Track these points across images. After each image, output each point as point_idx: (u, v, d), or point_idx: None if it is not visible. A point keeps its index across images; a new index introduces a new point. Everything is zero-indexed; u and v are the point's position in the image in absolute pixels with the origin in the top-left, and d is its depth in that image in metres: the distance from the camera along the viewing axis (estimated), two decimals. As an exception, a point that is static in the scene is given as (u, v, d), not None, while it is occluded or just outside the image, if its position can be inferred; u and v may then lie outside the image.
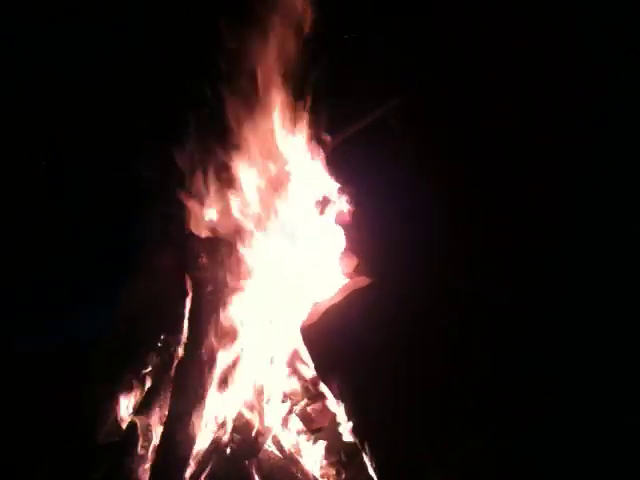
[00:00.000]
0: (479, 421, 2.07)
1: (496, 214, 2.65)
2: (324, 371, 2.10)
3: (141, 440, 2.19)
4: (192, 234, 2.31)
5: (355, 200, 2.32)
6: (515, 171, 2.74)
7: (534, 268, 2.46)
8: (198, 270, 2.24)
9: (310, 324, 2.10)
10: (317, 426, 2.15)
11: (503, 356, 2.21)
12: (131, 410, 2.31)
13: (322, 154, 2.28)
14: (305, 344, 2.12)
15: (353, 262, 2.32)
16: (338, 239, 2.34)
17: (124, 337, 2.43)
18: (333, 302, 2.14)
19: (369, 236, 2.31)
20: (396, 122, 2.49)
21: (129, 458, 2.16)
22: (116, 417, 2.29)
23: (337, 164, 2.30)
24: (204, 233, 2.34)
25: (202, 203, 2.36)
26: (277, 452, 2.18)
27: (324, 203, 2.31)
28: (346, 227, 2.32)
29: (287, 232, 2.32)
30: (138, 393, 2.33)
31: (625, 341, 2.24)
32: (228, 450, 2.13)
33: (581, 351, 2.20)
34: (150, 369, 2.33)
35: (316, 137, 2.28)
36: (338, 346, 2.08)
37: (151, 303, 2.40)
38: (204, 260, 2.24)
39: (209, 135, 2.36)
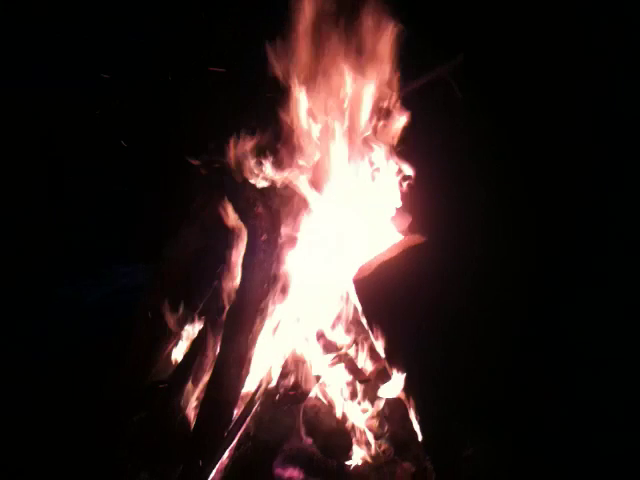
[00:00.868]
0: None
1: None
2: (374, 324, 2.13)
3: (191, 380, 2.26)
4: (248, 183, 2.32)
5: (412, 158, 2.31)
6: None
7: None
8: (253, 219, 2.26)
9: (363, 277, 2.12)
10: (364, 377, 2.19)
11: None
12: (182, 351, 2.37)
13: (386, 107, 2.27)
14: (357, 296, 2.14)
15: (407, 220, 2.33)
16: (392, 197, 2.35)
17: (176, 284, 2.48)
18: (386, 258, 2.16)
19: (424, 194, 2.32)
20: (456, 81, 2.47)
21: (178, 397, 2.24)
22: (167, 357, 2.35)
23: (400, 118, 2.28)
24: (260, 183, 2.35)
25: (258, 153, 2.36)
26: (323, 400, 2.24)
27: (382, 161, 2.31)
28: (402, 186, 2.32)
29: (343, 187, 2.33)
30: (190, 335, 2.39)
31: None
32: (275, 395, 2.19)
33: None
34: (202, 313, 2.38)
35: (381, 90, 2.25)
36: (390, 301, 2.11)
37: (204, 251, 2.44)
38: (260, 209, 2.25)
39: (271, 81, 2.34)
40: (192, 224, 2.46)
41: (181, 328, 2.39)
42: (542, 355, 2.21)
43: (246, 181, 2.32)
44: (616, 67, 2.86)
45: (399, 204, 2.33)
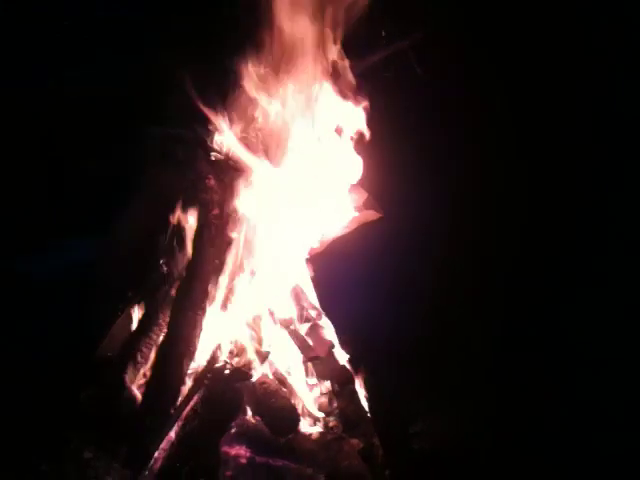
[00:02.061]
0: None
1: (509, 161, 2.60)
2: (326, 301, 2.10)
3: (138, 357, 2.20)
4: (201, 155, 2.25)
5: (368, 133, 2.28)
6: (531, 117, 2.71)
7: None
8: (205, 192, 2.20)
9: (317, 253, 2.10)
10: (314, 354, 2.16)
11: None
12: (130, 328, 2.31)
13: (342, 81, 2.22)
14: (310, 272, 2.11)
15: (362, 196, 2.30)
16: (348, 173, 2.32)
17: (125, 259, 2.40)
18: (341, 234, 2.14)
19: (379, 170, 2.29)
20: (415, 56, 2.43)
21: (125, 374, 2.18)
22: (114, 335, 2.29)
23: (355, 93, 2.24)
24: (213, 155, 2.28)
25: (213, 124, 2.29)
26: (272, 377, 2.20)
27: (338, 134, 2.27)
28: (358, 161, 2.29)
29: (298, 162, 2.28)
30: (138, 312, 2.32)
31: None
32: (223, 371, 2.15)
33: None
34: (151, 289, 2.31)
35: (338, 64, 2.20)
36: (343, 278, 2.08)
37: (155, 225, 2.37)
38: (212, 182, 2.20)
39: (225, 55, 2.27)
40: (143, 196, 2.38)
41: (129, 304, 2.32)
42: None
43: (198, 152, 2.25)
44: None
45: (355, 179, 2.30)
